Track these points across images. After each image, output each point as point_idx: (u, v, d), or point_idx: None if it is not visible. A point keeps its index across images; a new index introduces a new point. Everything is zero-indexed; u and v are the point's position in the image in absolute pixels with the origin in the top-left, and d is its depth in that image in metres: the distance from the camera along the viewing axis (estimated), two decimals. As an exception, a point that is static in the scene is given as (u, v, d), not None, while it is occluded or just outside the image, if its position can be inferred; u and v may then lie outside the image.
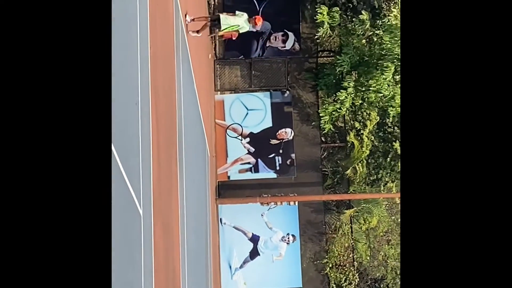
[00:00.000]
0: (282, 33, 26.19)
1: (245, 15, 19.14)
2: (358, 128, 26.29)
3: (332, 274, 26.28)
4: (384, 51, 24.19)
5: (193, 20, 17.78)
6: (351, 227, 26.67)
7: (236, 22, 18.86)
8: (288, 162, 25.81)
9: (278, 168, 25.85)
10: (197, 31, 18.33)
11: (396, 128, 26.17)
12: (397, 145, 25.66)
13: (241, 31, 19.39)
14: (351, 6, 25.46)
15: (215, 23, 18.99)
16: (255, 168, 25.90)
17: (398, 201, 26.54)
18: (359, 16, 24.83)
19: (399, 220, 26.74)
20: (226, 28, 18.85)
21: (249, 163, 25.92)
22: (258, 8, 23.36)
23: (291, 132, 25.89)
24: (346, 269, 26.42)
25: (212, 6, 24.49)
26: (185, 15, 17.17)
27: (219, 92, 26.54)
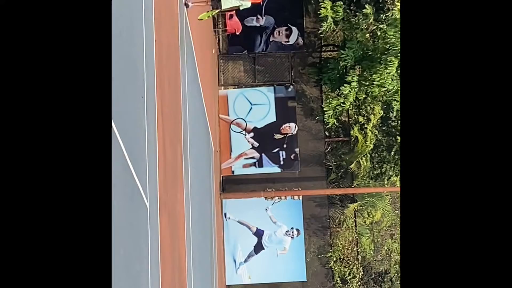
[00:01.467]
0: (285, 27, 26.23)
1: None
2: (362, 122, 26.34)
3: (336, 268, 26.35)
4: (388, 45, 24.20)
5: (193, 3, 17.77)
6: (355, 221, 26.73)
7: (237, 2, 18.88)
8: (292, 156, 25.85)
9: (282, 162, 25.90)
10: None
11: (399, 122, 26.20)
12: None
13: (241, 8, 19.46)
14: (355, 0, 25.49)
15: (216, 2, 19.03)
16: (259, 163, 25.95)
17: (402, 195, 26.54)
18: (363, 10, 24.84)
19: (403, 214, 26.78)
20: (227, 8, 18.91)
21: (253, 157, 25.97)
22: (262, 3, 23.35)
23: (295, 127, 25.93)
24: (350, 263, 26.48)
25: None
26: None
27: (222, 87, 26.59)
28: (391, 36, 24.06)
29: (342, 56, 25.17)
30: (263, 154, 25.93)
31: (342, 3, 25.03)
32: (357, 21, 25.12)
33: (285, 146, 25.86)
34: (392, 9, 24.75)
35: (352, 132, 26.31)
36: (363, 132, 26.05)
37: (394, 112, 25.76)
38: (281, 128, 25.94)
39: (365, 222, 26.89)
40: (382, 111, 26.05)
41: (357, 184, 26.51)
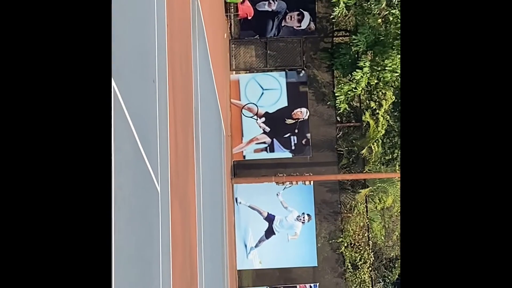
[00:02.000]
0: (297, 12, 26.17)
1: None
2: (374, 107, 26.28)
3: (347, 253, 26.36)
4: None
5: None
6: (366, 207, 26.72)
7: None
8: (303, 141, 25.84)
9: (293, 147, 25.89)
10: None
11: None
12: (412, 124, 25.61)
13: None
14: (367, -15, 25.39)
15: None
16: (271, 148, 25.96)
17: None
18: (375, -5, 24.77)
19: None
20: None
21: (264, 142, 25.98)
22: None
23: (307, 112, 25.90)
24: (361, 248, 26.49)
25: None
26: None
27: (234, 72, 26.57)
28: (404, 21, 23.93)
29: (354, 41, 25.10)
30: (274, 139, 25.93)
31: (354, -12, 24.96)
32: (369, 6, 25.03)
33: (296, 131, 25.85)
34: (405, -6, 24.61)
35: (363, 118, 26.26)
36: (374, 118, 26.00)
37: (406, 97, 25.66)
38: (293, 113, 25.92)
39: (376, 208, 26.87)
40: (394, 97, 25.99)
41: (368, 170, 26.48)
